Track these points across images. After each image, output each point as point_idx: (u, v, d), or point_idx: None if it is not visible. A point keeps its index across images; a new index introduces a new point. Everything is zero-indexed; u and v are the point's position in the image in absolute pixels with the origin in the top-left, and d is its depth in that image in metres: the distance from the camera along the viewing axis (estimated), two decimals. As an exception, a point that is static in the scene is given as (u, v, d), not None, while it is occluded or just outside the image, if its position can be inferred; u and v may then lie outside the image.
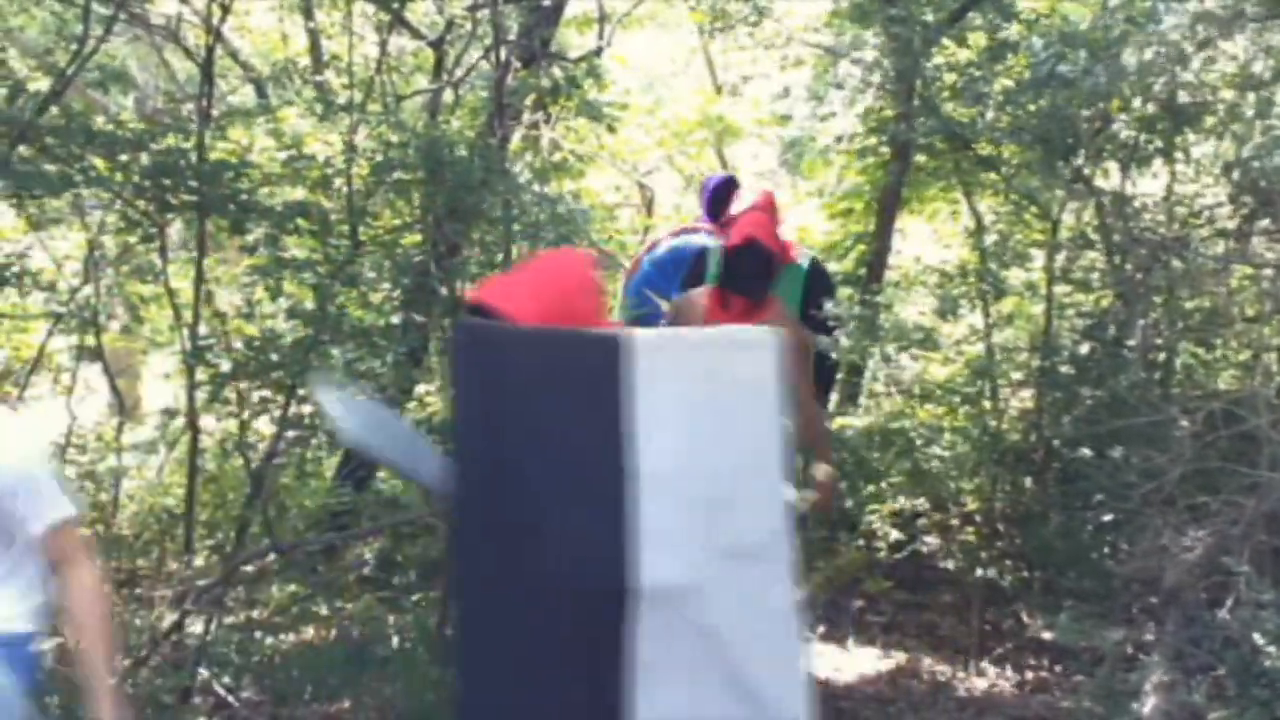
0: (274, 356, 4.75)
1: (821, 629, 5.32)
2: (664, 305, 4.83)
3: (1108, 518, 4.61)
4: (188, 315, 5.20)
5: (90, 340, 5.54)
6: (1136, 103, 5.24)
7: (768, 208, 4.35)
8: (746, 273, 3.95)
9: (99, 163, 4.70)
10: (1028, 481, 5.62)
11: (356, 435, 2.70)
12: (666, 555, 2.37)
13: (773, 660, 2.45)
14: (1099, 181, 5.54)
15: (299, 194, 5.13)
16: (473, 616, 2.46)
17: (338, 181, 5.06)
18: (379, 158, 5.00)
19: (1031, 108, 5.28)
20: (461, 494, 2.42)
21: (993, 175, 6.08)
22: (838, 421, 6.02)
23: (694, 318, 4.02)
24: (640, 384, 2.41)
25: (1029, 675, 4.84)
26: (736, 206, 4.70)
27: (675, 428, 2.41)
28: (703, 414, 2.44)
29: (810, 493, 3.98)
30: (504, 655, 2.39)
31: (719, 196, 4.95)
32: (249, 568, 4.89)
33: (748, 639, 2.44)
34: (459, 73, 6.16)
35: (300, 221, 4.93)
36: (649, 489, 2.38)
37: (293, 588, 4.93)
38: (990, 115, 5.52)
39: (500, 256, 5.15)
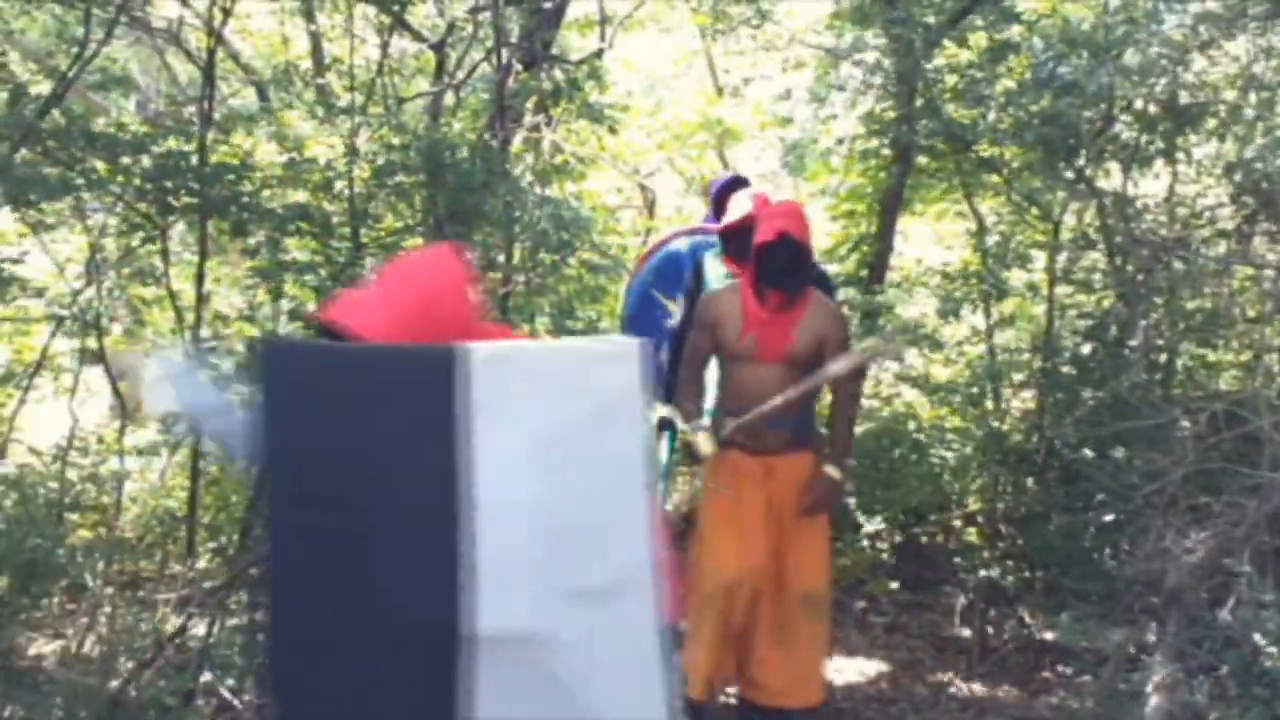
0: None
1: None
2: (672, 306, 4.82)
3: (1109, 519, 4.61)
4: (190, 318, 5.21)
5: (92, 343, 5.55)
6: (1138, 103, 5.25)
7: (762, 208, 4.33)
8: (781, 266, 3.89)
9: (100, 165, 4.71)
10: (1029, 482, 5.62)
11: (196, 411, 2.38)
12: (509, 594, 2.13)
13: (632, 709, 2.22)
14: (1100, 182, 5.55)
15: (300, 197, 5.13)
16: (289, 657, 2.19)
17: (339, 184, 5.06)
18: (380, 160, 5.01)
19: (1034, 108, 5.29)
20: (276, 526, 2.19)
21: (994, 177, 6.08)
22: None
23: (725, 314, 3.98)
24: (480, 402, 2.15)
25: (1031, 676, 4.84)
26: (729, 208, 4.65)
27: (522, 450, 2.16)
28: (554, 435, 2.19)
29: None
30: (325, 699, 2.17)
31: (725, 196, 4.92)
32: (252, 570, 4.89)
33: (604, 687, 2.19)
34: (460, 75, 6.16)
35: (302, 224, 4.94)
36: (489, 519, 2.13)
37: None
38: (992, 116, 5.52)
39: (502, 258, 5.16)
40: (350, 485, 2.16)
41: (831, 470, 3.98)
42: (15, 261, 4.99)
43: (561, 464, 2.18)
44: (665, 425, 4.84)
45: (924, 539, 5.84)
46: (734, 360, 4.00)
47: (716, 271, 4.64)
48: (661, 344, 4.73)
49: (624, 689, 2.20)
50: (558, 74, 5.61)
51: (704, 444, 3.86)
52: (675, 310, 4.82)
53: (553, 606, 2.14)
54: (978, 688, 4.77)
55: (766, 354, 3.93)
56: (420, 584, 2.14)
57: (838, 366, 3.80)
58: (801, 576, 3.93)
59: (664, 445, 4.81)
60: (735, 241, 4.48)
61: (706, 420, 4.15)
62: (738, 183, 5.07)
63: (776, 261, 3.88)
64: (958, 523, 5.76)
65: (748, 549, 3.86)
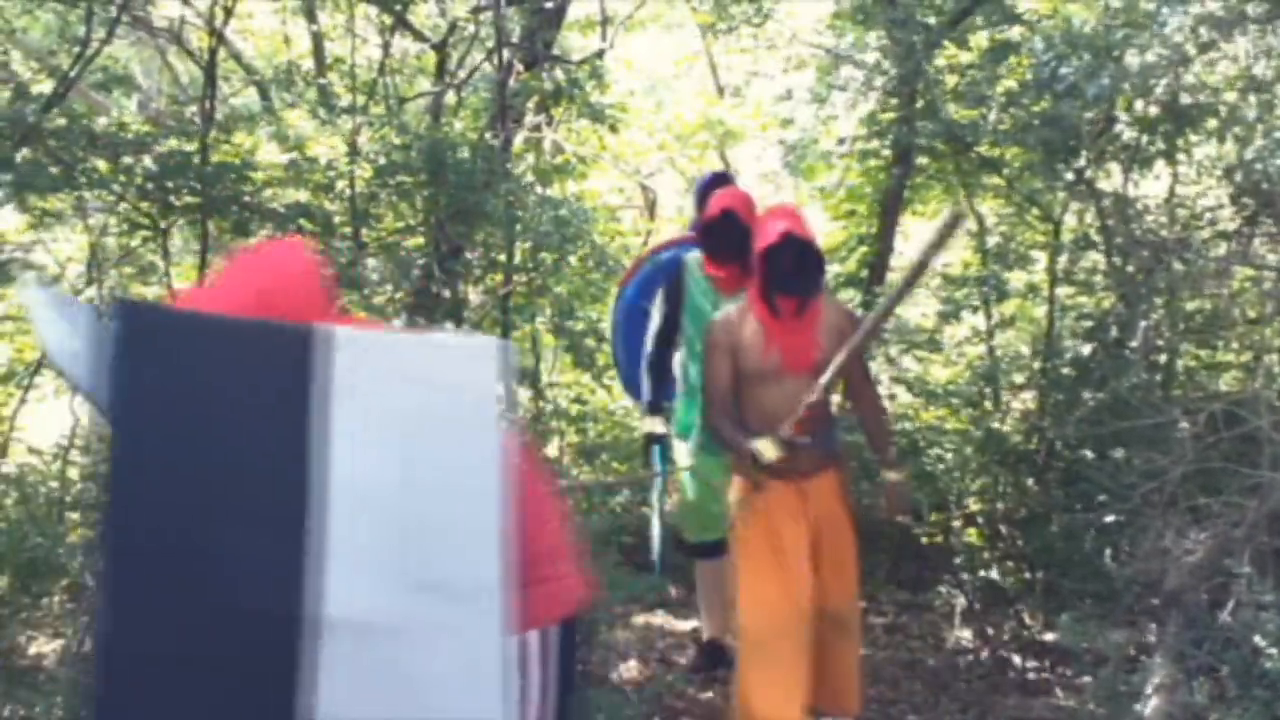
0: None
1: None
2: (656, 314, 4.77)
3: (1109, 519, 4.61)
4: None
5: (94, 342, 5.54)
6: (1138, 105, 5.25)
7: (743, 206, 4.22)
8: (788, 269, 3.65)
9: (102, 165, 4.72)
10: (1030, 483, 5.62)
11: (61, 354, 2.21)
12: (357, 582, 2.06)
13: (470, 715, 2.14)
14: (1101, 183, 5.56)
15: (302, 196, 5.14)
16: (120, 638, 2.05)
17: (340, 184, 5.07)
18: (382, 160, 5.01)
19: (1035, 109, 5.30)
20: (116, 501, 2.08)
21: (995, 178, 6.08)
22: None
23: (742, 335, 3.72)
24: (338, 386, 2.09)
25: (1031, 676, 4.84)
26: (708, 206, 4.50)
27: (377, 438, 2.11)
28: (410, 425, 2.13)
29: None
30: (156, 682, 2.06)
31: (709, 195, 4.70)
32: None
33: (444, 689, 2.12)
34: (462, 75, 6.17)
35: (303, 222, 4.95)
36: (341, 506, 2.07)
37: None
38: (992, 117, 5.53)
39: (503, 258, 5.17)
40: (197, 459, 2.08)
41: (894, 474, 3.82)
42: (27, 250, 5.00)
43: (415, 456, 2.12)
44: (654, 440, 4.78)
45: (923, 539, 5.84)
46: (759, 381, 3.71)
47: (696, 271, 4.55)
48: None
49: (464, 693, 2.13)
50: (559, 74, 5.62)
51: (768, 449, 3.58)
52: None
53: (399, 598, 2.08)
54: (978, 688, 4.78)
55: (793, 366, 3.67)
56: (265, 565, 2.06)
57: (857, 337, 3.58)
58: (832, 598, 3.73)
59: (655, 459, 4.75)
60: (712, 238, 4.37)
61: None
62: (721, 180, 4.94)
63: (783, 264, 3.65)
64: (957, 523, 5.75)
65: (792, 582, 3.64)
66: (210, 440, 2.08)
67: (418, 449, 2.12)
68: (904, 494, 3.86)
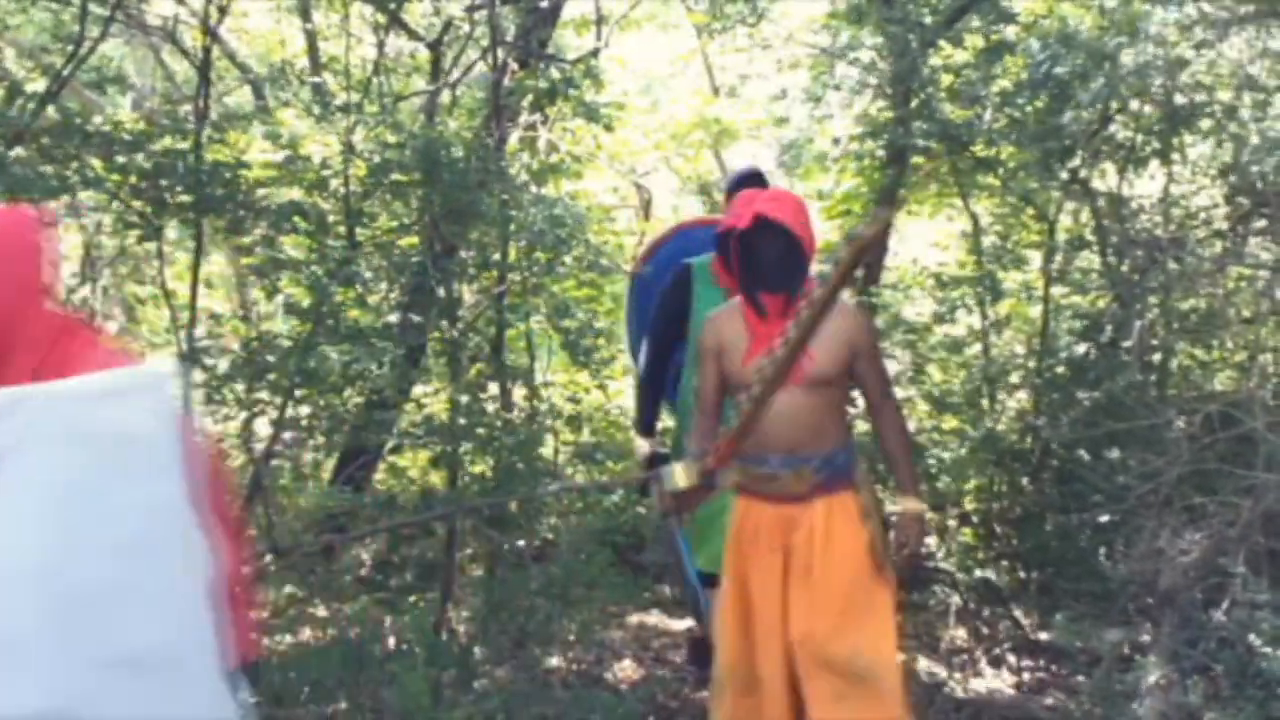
0: (270, 358, 4.75)
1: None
2: None
3: (1104, 519, 4.62)
4: (184, 316, 5.20)
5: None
6: (1134, 104, 5.26)
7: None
8: (768, 260, 3.20)
9: (96, 164, 4.70)
10: (1025, 483, 5.63)
11: None
12: (22, 674, 1.81)
13: None
14: (1096, 183, 5.56)
15: (296, 195, 5.12)
16: None
17: (334, 183, 5.05)
18: (376, 159, 5.00)
19: (1029, 109, 5.30)
20: None
21: (990, 177, 6.08)
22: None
23: (727, 338, 3.26)
24: None
25: (1026, 676, 4.84)
26: (734, 208, 4.37)
27: (30, 512, 1.86)
28: (68, 488, 1.89)
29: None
30: None
31: (738, 192, 4.17)
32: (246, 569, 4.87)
33: None
34: (456, 74, 6.16)
35: (297, 220, 4.93)
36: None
37: (290, 589, 4.93)
38: (987, 116, 5.53)
39: (497, 257, 5.16)
40: None
41: (913, 503, 3.29)
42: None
43: (79, 520, 1.88)
44: (658, 460, 4.61)
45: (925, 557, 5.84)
46: (744, 392, 3.16)
47: (707, 280, 4.23)
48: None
49: None
50: (554, 73, 5.60)
51: (679, 477, 3.14)
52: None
53: (79, 683, 1.83)
54: (972, 687, 4.78)
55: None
56: None
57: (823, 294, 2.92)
58: (846, 642, 3.13)
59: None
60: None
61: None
62: (753, 178, 4.48)
63: (762, 253, 3.18)
64: (953, 523, 5.76)
65: (751, 615, 3.24)
66: None
67: (82, 511, 1.88)
68: (919, 529, 3.30)
